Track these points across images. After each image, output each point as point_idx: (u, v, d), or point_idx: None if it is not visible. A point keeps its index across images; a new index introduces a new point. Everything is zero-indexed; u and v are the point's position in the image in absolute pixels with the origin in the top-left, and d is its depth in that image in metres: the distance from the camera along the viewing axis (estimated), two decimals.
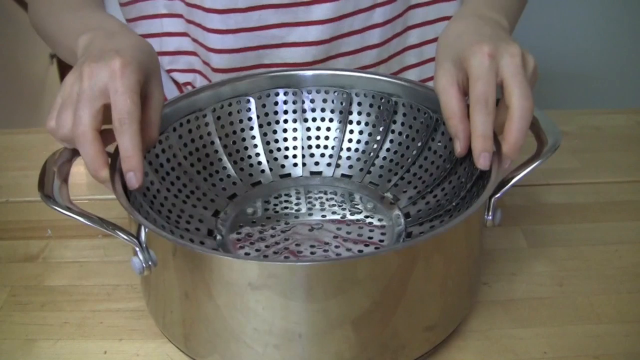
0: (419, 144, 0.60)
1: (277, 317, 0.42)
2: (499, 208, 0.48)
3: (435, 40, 0.79)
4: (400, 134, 0.62)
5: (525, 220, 0.63)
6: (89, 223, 0.44)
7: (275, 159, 0.64)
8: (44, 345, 0.51)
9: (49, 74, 2.28)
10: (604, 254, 0.59)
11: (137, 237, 0.44)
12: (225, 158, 0.62)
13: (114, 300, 0.55)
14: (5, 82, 1.94)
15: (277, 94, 0.63)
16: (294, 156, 0.64)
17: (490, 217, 0.48)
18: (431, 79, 0.74)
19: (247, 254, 0.54)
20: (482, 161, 0.47)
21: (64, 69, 2.38)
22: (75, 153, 0.50)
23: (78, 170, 0.50)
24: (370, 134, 0.63)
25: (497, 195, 0.47)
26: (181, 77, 0.79)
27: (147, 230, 0.43)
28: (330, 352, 0.43)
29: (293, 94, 0.63)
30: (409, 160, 0.60)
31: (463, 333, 0.50)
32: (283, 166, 0.63)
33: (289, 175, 0.63)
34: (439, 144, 0.59)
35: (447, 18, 0.78)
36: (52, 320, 0.53)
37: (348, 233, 0.55)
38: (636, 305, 0.53)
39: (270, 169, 0.63)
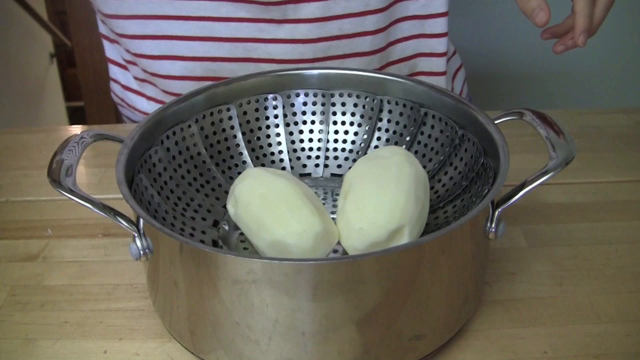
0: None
1: (281, 314, 0.42)
2: (502, 220, 0.47)
3: (426, 54, 0.79)
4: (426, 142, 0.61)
5: (525, 220, 0.63)
6: (91, 207, 0.45)
7: (298, 157, 0.64)
8: (44, 345, 0.51)
9: (49, 74, 2.28)
10: (604, 254, 0.59)
11: (137, 224, 0.45)
12: (246, 152, 0.62)
13: (114, 300, 0.55)
14: (5, 82, 1.94)
15: (306, 95, 0.64)
16: (317, 157, 0.64)
17: (493, 229, 0.47)
18: None
19: (245, 248, 0.55)
20: (582, 39, 0.57)
21: (64, 69, 2.38)
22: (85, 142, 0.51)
23: (78, 170, 0.50)
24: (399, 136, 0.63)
25: (500, 209, 0.46)
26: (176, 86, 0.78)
27: (143, 221, 0.45)
28: (333, 350, 0.43)
29: (322, 95, 0.63)
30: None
31: (463, 332, 0.50)
32: (305, 165, 0.64)
33: (309, 175, 0.63)
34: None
35: (437, 35, 0.77)
36: (52, 319, 0.53)
37: None
38: (636, 305, 0.53)
39: (292, 167, 0.63)
